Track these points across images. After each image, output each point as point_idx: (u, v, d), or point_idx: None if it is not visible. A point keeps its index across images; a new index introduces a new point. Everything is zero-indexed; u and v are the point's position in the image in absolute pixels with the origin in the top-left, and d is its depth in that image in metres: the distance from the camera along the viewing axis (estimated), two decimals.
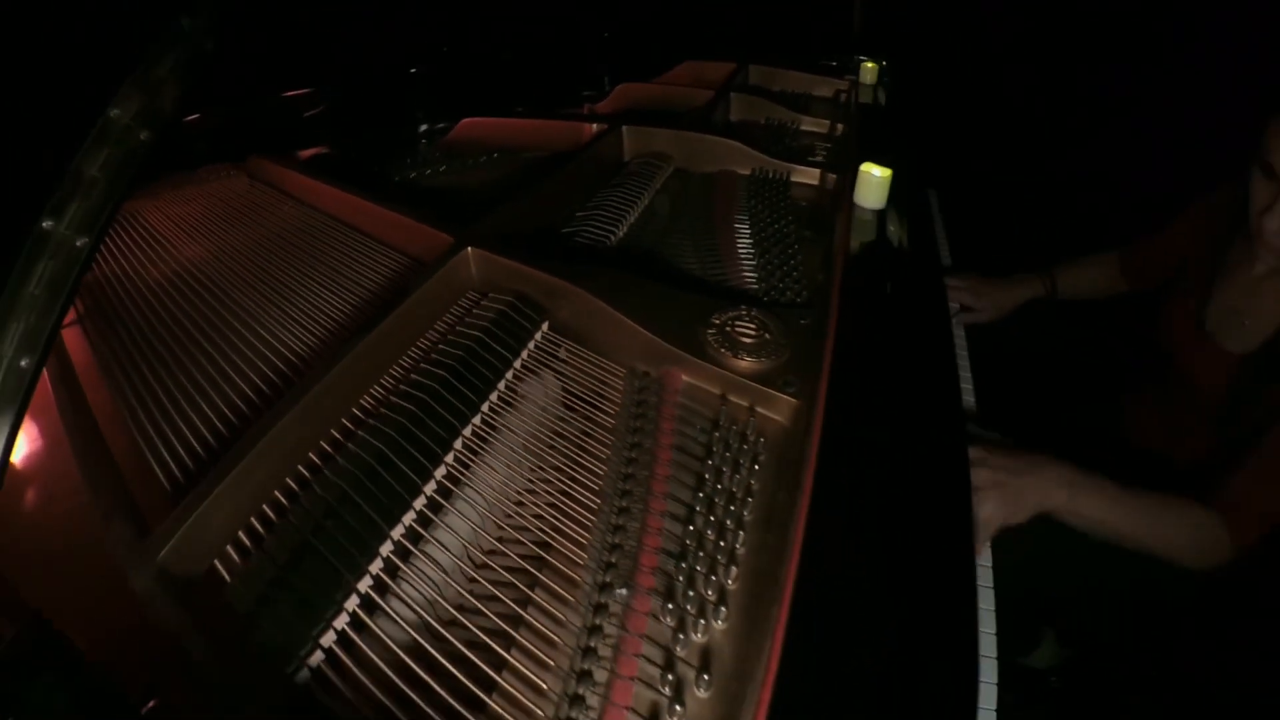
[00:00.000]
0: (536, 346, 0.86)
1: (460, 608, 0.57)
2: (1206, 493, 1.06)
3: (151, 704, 0.43)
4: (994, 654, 0.87)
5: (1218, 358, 1.24)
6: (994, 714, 0.80)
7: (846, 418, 0.69)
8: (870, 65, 1.83)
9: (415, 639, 0.55)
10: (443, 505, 0.66)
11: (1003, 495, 0.97)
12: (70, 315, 0.91)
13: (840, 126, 1.59)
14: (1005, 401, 1.57)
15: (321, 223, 1.14)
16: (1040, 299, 1.64)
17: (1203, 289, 1.29)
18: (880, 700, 0.52)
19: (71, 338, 0.90)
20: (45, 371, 0.73)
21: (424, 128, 1.65)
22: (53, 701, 0.42)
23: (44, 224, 0.45)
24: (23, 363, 0.42)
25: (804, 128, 1.62)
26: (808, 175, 1.32)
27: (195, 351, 0.84)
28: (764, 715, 0.48)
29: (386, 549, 0.61)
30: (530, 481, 0.69)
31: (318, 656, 0.53)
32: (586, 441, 0.74)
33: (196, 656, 0.49)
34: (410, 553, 0.62)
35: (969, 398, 1.29)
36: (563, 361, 0.84)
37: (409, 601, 0.58)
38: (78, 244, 0.46)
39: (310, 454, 0.68)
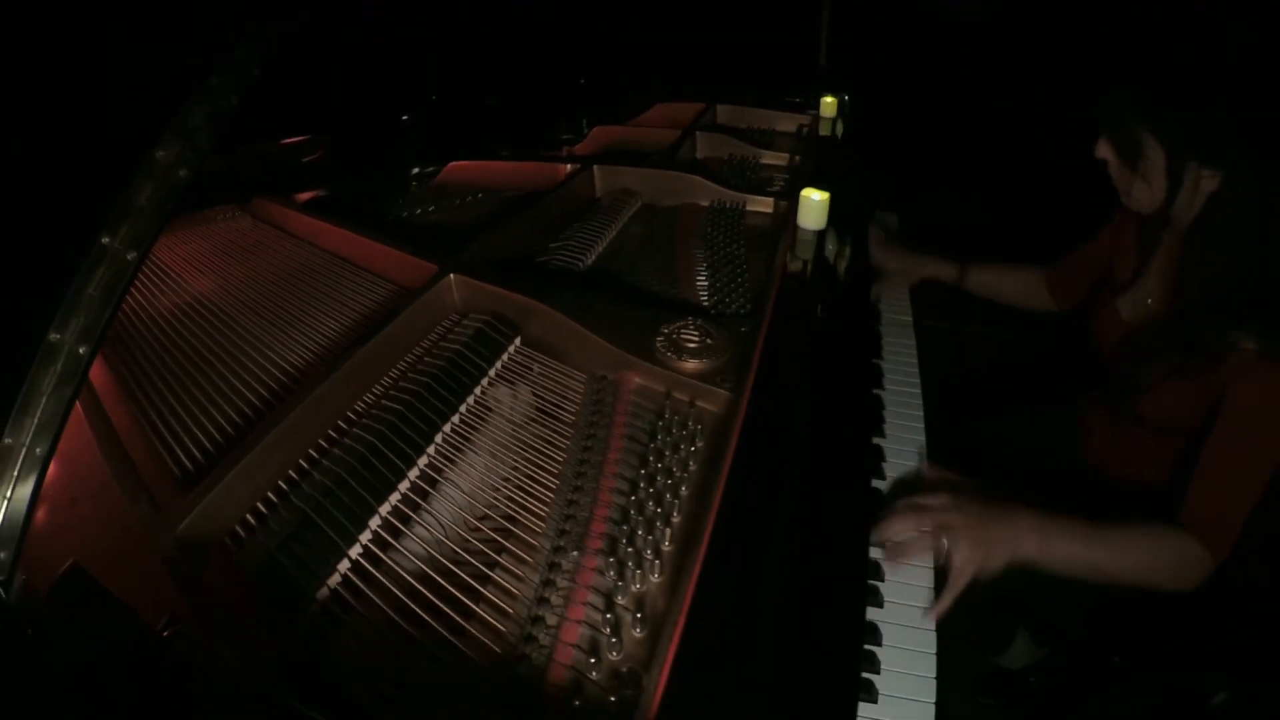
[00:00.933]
0: (510, 358, 0.98)
1: (436, 570, 0.68)
2: (1166, 509, 1.09)
3: (168, 633, 0.53)
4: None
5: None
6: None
7: (768, 406, 0.81)
8: (829, 100, 1.96)
9: (398, 595, 0.66)
10: (424, 488, 0.77)
11: (974, 541, 0.97)
12: None
13: (798, 158, 1.72)
14: (959, 409, 1.67)
15: (319, 257, 1.26)
16: (948, 284, 1.70)
17: (1126, 285, 1.34)
18: (773, 639, 0.62)
19: (99, 373, 1.01)
20: None
21: (415, 171, 1.78)
22: (90, 632, 0.53)
23: (103, 239, 0.57)
24: (81, 350, 0.54)
25: (765, 161, 1.76)
26: (763, 204, 1.45)
27: (205, 368, 0.96)
28: (674, 650, 0.57)
29: (375, 523, 0.72)
30: (500, 467, 0.81)
31: (325, 592, 0.64)
32: (549, 434, 0.85)
33: (205, 608, 0.59)
34: (396, 525, 0.73)
35: (917, 405, 1.39)
36: (533, 370, 0.96)
37: (391, 564, 0.69)
38: (128, 257, 0.58)
39: (310, 449, 0.80)
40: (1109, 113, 1.16)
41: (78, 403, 0.85)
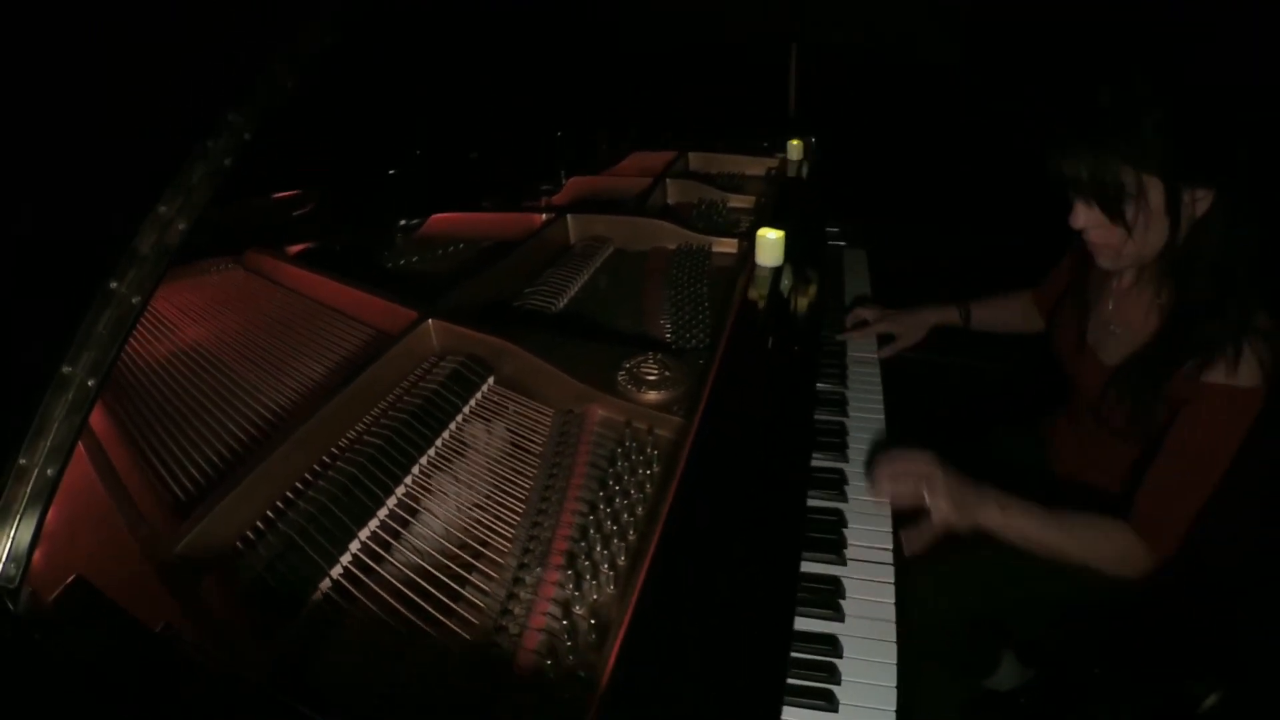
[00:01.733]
0: (484, 396, 1.06)
1: (407, 585, 0.75)
2: (1123, 510, 1.19)
3: (166, 631, 0.60)
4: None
5: (1097, 371, 1.33)
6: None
7: (715, 431, 0.88)
8: (795, 143, 2.07)
9: (371, 609, 0.72)
10: (402, 515, 0.84)
11: (952, 501, 1.14)
12: None
13: (764, 200, 1.82)
14: (923, 430, 1.73)
15: (308, 306, 1.34)
16: (956, 327, 1.76)
17: (1084, 307, 1.39)
18: (705, 643, 0.69)
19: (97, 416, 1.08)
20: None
21: (401, 223, 1.87)
22: (91, 637, 0.59)
23: (110, 284, 0.65)
24: (90, 382, 0.61)
25: (733, 204, 1.85)
26: (728, 245, 1.54)
27: (199, 410, 1.03)
28: (614, 656, 0.63)
29: (355, 546, 0.79)
30: (472, 495, 0.88)
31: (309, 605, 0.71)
32: (519, 464, 0.92)
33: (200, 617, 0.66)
34: (374, 548, 0.80)
35: (880, 430, 1.45)
36: (507, 408, 1.04)
37: (369, 583, 0.75)
38: (133, 301, 0.66)
39: (297, 481, 0.87)
40: (1089, 173, 1.10)
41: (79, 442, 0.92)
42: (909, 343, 1.76)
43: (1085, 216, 1.15)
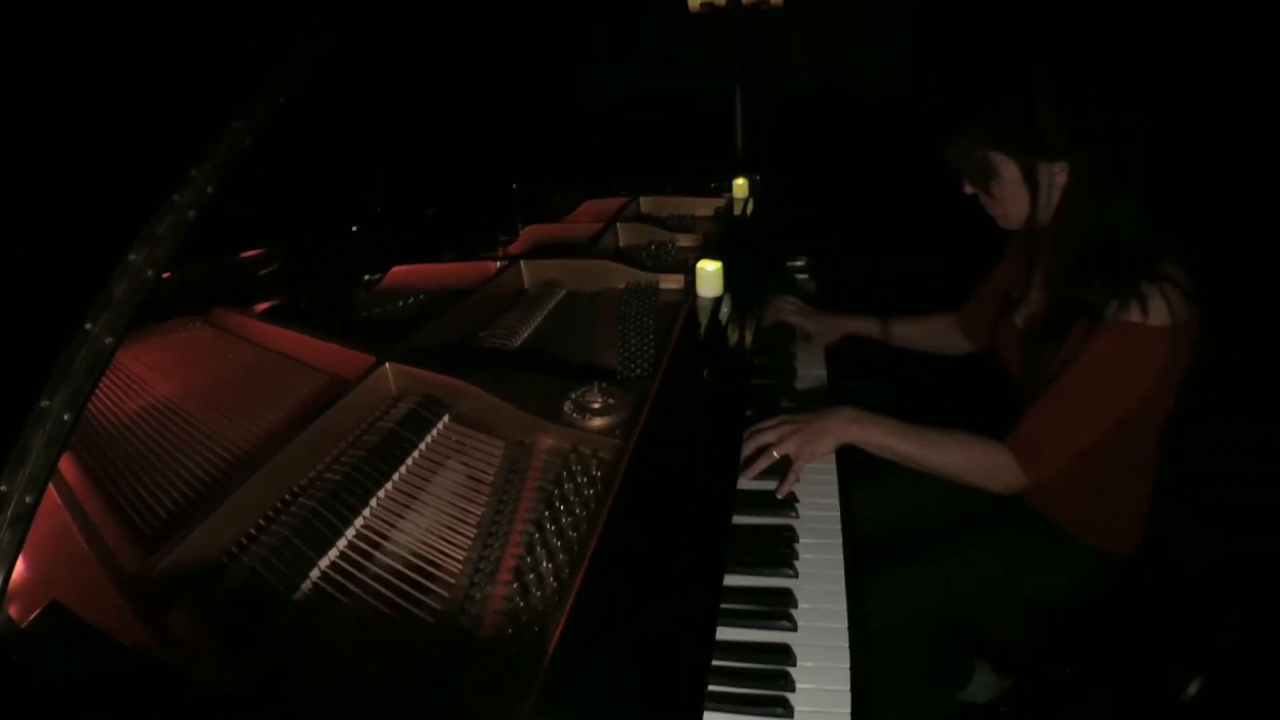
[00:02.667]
0: (439, 434, 1.12)
1: (365, 607, 0.80)
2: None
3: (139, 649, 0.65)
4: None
5: (1019, 346, 1.41)
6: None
7: (650, 453, 0.95)
8: (741, 181, 2.17)
9: (333, 626, 0.77)
10: (361, 545, 0.90)
11: (800, 436, 1.26)
12: None
13: (709, 237, 1.92)
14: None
15: (273, 359, 1.40)
16: (875, 339, 1.91)
17: (1019, 299, 1.48)
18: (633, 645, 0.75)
19: (69, 467, 1.13)
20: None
21: (365, 278, 1.94)
22: (69, 656, 0.64)
23: (86, 325, 0.71)
24: (65, 416, 0.67)
25: (682, 243, 1.94)
26: (674, 281, 1.62)
27: (166, 459, 1.08)
28: (548, 660, 0.68)
29: (315, 575, 0.84)
30: (428, 524, 0.94)
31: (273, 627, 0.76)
32: (471, 495, 0.99)
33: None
34: (333, 576, 0.85)
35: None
36: (462, 443, 1.10)
37: (327, 606, 0.80)
38: (106, 341, 0.72)
39: (260, 517, 0.92)
40: (956, 154, 1.31)
41: (51, 489, 0.97)
42: (823, 341, 1.94)
43: (968, 188, 1.36)
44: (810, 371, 1.83)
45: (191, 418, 1.20)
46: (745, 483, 1.32)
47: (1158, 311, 1.14)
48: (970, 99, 1.27)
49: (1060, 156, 1.22)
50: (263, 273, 1.88)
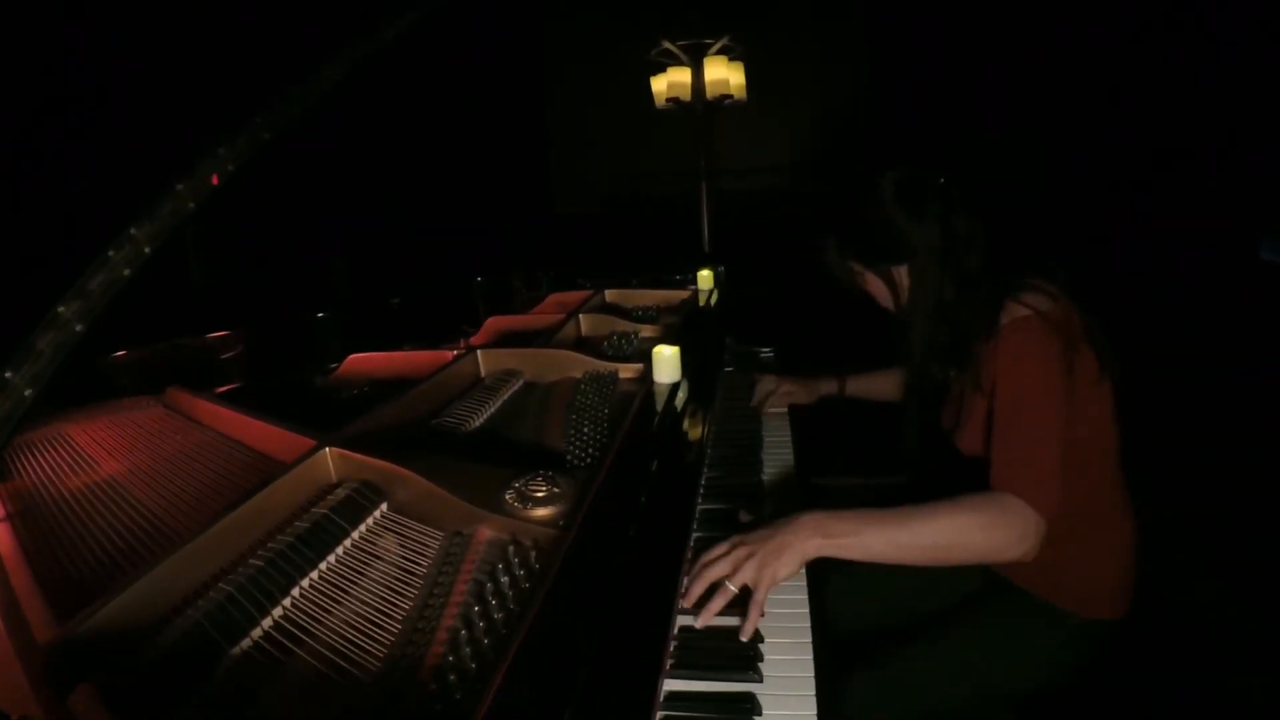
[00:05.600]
0: (375, 522, 1.08)
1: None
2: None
3: None
4: None
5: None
6: None
7: (589, 543, 0.92)
8: (705, 272, 2.22)
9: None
10: (275, 635, 0.85)
11: (757, 560, 1.09)
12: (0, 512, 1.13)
13: (674, 327, 1.94)
14: None
15: (218, 441, 1.37)
16: (835, 396, 2.03)
17: None
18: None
19: (2, 534, 1.09)
20: None
21: (328, 365, 1.93)
22: None
23: (6, 374, 0.70)
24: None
25: (645, 334, 1.96)
26: (634, 370, 1.62)
27: (99, 536, 1.05)
28: None
29: (229, 660, 0.80)
30: (348, 614, 0.90)
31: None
32: (400, 586, 0.95)
33: None
34: (248, 660, 0.80)
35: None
36: (397, 533, 1.07)
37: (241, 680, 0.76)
38: (25, 393, 0.72)
39: (178, 595, 0.87)
40: (830, 262, 1.54)
41: None
42: (801, 401, 2.05)
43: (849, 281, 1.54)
44: (775, 437, 1.82)
45: (130, 497, 1.17)
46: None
47: (1024, 307, 1.25)
48: (833, 219, 1.52)
49: (894, 260, 1.42)
50: (224, 356, 1.86)
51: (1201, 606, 1.83)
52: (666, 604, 1.03)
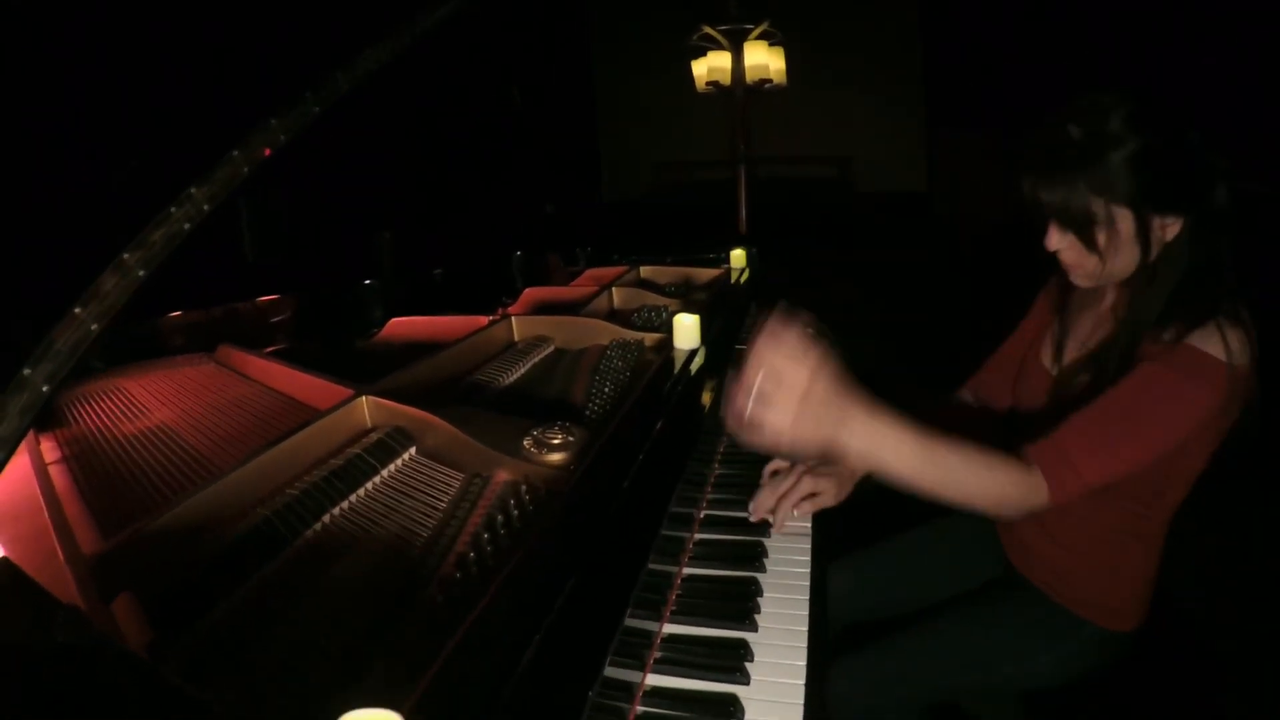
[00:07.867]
0: (404, 463, 1.16)
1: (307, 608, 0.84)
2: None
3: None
4: None
5: (1049, 387, 1.36)
6: None
7: (590, 490, 0.99)
8: (738, 252, 2.26)
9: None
10: (305, 557, 0.93)
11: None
12: (56, 454, 1.24)
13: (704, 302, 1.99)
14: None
15: (264, 393, 1.47)
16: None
17: (1045, 346, 1.42)
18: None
19: (58, 474, 1.19)
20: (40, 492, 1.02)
21: (374, 330, 2.03)
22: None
23: (25, 371, 0.78)
24: (44, 389, 0.74)
25: (674, 309, 2.00)
26: (656, 339, 1.67)
27: (150, 475, 1.15)
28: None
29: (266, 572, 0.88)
30: (379, 535, 0.98)
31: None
32: (421, 517, 1.02)
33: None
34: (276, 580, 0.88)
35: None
36: (423, 473, 1.14)
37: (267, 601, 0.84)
38: (43, 389, 0.78)
39: (218, 520, 0.96)
40: (1061, 201, 1.15)
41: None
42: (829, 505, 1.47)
43: (1058, 239, 1.20)
44: None
45: (181, 440, 1.27)
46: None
47: (1230, 348, 1.10)
48: (1091, 147, 1.13)
49: (1186, 211, 1.15)
50: (274, 319, 1.97)
51: (1215, 616, 1.79)
52: (643, 549, 1.08)
